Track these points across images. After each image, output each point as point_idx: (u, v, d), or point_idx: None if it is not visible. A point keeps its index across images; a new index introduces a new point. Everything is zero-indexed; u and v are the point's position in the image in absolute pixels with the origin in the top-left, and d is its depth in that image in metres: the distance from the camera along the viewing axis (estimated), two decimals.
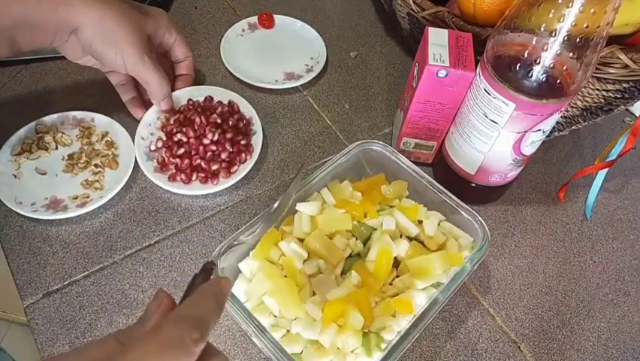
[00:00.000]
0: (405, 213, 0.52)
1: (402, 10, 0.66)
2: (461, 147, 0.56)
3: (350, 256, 0.51)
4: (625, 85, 0.55)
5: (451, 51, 0.54)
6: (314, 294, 0.47)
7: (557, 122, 0.62)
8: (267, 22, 0.77)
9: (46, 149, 0.59)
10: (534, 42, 0.45)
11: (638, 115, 0.74)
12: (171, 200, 0.58)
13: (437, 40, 0.54)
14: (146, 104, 0.62)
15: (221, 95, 0.65)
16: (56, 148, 0.60)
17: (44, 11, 0.48)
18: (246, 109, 0.64)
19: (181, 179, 0.57)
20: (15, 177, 0.56)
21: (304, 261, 0.48)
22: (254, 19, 0.77)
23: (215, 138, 0.59)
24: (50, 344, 0.47)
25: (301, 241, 0.50)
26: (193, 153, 0.58)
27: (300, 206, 0.51)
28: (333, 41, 0.77)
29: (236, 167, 0.59)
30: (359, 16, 0.84)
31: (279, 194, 0.60)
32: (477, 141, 0.54)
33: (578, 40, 0.43)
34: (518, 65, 0.46)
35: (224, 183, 0.58)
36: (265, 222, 0.46)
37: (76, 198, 0.56)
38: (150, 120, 0.61)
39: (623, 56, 0.51)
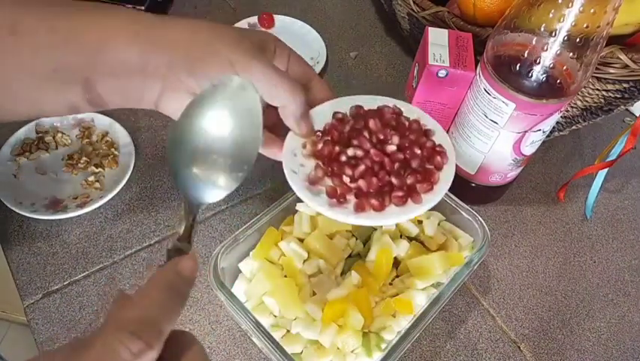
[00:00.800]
0: None
1: (402, 10, 0.66)
2: (461, 146, 0.56)
3: (350, 256, 0.51)
4: (625, 85, 0.55)
5: (451, 51, 0.54)
6: (314, 294, 0.47)
7: (557, 122, 0.62)
8: (267, 23, 0.77)
9: (46, 149, 0.59)
10: (534, 42, 0.45)
11: (638, 115, 0.75)
12: (171, 200, 0.58)
13: (437, 40, 0.54)
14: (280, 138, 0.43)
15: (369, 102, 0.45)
16: (56, 148, 0.60)
17: (122, 46, 0.35)
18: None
19: (372, 206, 0.39)
20: (15, 177, 0.56)
21: (304, 261, 0.48)
22: (254, 19, 0.77)
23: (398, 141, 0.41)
24: (50, 343, 0.47)
25: (301, 241, 0.50)
26: (376, 168, 0.40)
27: (300, 206, 0.51)
28: (333, 41, 0.77)
29: (436, 175, 0.40)
30: (359, 17, 0.84)
31: (279, 194, 0.60)
32: (477, 140, 0.54)
33: (578, 40, 0.43)
34: (518, 65, 0.46)
35: (429, 202, 0.38)
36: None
37: (76, 198, 0.56)
38: (294, 149, 0.42)
39: (623, 56, 0.51)
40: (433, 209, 0.52)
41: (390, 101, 0.44)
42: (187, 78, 0.37)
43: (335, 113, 0.43)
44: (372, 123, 0.42)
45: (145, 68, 0.36)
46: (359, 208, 0.38)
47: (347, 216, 0.37)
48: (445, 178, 0.39)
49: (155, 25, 0.36)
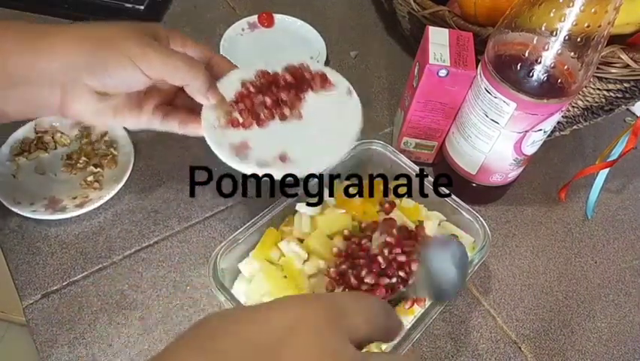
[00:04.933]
0: (405, 214, 0.52)
1: (402, 10, 0.66)
2: (462, 146, 0.56)
3: None
4: (626, 84, 0.55)
5: (452, 50, 0.53)
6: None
7: (558, 122, 0.62)
8: (267, 22, 0.77)
9: (45, 149, 0.59)
10: (535, 41, 0.45)
11: (639, 115, 0.74)
12: (170, 200, 0.58)
13: (438, 39, 0.54)
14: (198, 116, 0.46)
15: (278, 64, 0.51)
16: (55, 148, 0.60)
17: (16, 59, 0.37)
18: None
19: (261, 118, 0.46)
20: (14, 177, 0.56)
21: (304, 261, 0.48)
22: (254, 18, 0.77)
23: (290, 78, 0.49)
24: (49, 344, 0.47)
25: (301, 241, 0.50)
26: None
27: (300, 206, 0.51)
28: (333, 41, 0.77)
29: (303, 94, 0.49)
30: (359, 16, 0.84)
31: (278, 194, 0.60)
32: (478, 140, 0.54)
33: (579, 39, 0.43)
34: (519, 64, 0.46)
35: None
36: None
37: (75, 198, 0.55)
38: (212, 122, 0.46)
39: (624, 56, 0.51)
40: (433, 209, 0.52)
41: (297, 62, 0.50)
42: (88, 78, 0.39)
43: (242, 84, 0.48)
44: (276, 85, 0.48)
45: (40, 77, 0.38)
46: (282, 159, 0.44)
47: (277, 171, 0.43)
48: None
49: (44, 36, 0.38)
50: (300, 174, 0.45)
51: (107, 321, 0.49)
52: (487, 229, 0.50)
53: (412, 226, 0.51)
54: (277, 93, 0.48)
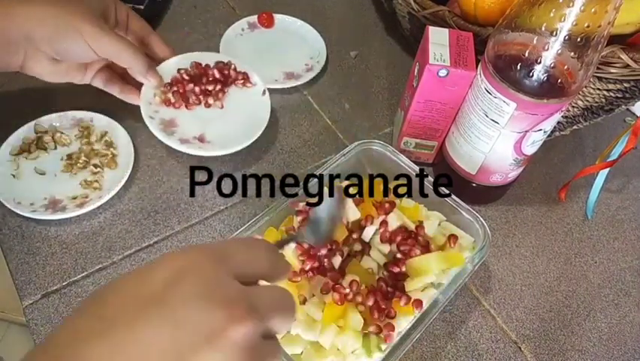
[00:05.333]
0: (405, 214, 0.52)
1: (402, 10, 0.66)
2: (462, 146, 0.56)
3: (348, 255, 0.51)
4: (626, 84, 0.55)
5: (452, 50, 0.53)
6: (313, 296, 0.47)
7: (558, 122, 0.62)
8: (267, 22, 0.77)
9: (45, 149, 0.59)
10: (535, 41, 0.45)
11: (639, 115, 0.74)
12: (170, 200, 0.58)
13: (438, 39, 0.54)
14: (139, 88, 0.59)
15: (211, 58, 0.65)
16: (55, 148, 0.60)
17: None
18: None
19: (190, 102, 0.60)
20: (14, 177, 0.56)
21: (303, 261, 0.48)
22: (253, 18, 0.77)
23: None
24: None
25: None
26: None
27: (300, 206, 0.51)
28: (333, 41, 0.77)
29: (227, 89, 0.63)
30: (359, 16, 0.84)
31: (278, 194, 0.60)
32: (478, 140, 0.54)
33: (579, 39, 0.43)
34: (519, 64, 0.46)
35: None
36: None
37: (75, 198, 0.55)
38: (149, 98, 0.58)
39: (624, 56, 0.51)
40: (433, 209, 0.52)
41: (225, 58, 0.64)
42: (46, 48, 0.49)
43: (178, 70, 0.61)
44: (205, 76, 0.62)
45: (7, 40, 0.47)
46: (200, 140, 0.57)
47: (196, 150, 0.55)
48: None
49: (12, 4, 0.47)
50: (211, 153, 0.56)
51: None
52: (487, 229, 0.50)
53: (411, 226, 0.51)
54: (205, 84, 0.61)
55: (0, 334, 1.19)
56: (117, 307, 0.26)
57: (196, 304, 0.25)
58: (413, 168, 0.54)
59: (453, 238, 0.50)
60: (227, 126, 0.60)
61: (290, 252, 0.47)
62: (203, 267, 0.27)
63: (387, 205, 0.52)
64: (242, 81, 0.63)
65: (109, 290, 0.27)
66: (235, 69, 0.64)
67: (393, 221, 0.51)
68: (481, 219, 0.51)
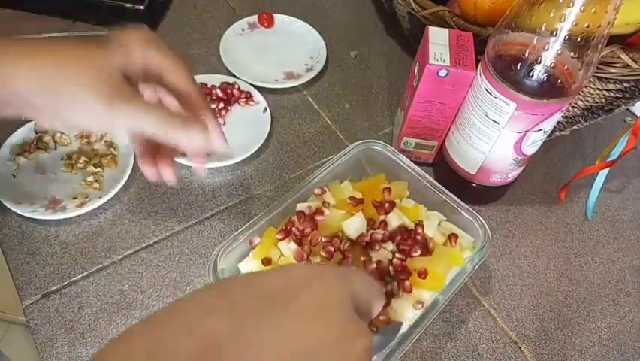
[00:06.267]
0: (405, 214, 0.52)
1: (402, 10, 0.66)
2: (462, 146, 0.56)
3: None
4: (626, 84, 0.55)
5: (452, 50, 0.53)
6: None
7: (558, 122, 0.62)
8: (267, 22, 0.77)
9: (45, 149, 0.59)
10: (535, 41, 0.45)
11: (639, 115, 0.74)
12: (170, 200, 0.58)
13: (438, 39, 0.54)
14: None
15: (217, 80, 0.69)
16: (55, 148, 0.60)
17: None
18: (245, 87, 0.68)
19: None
20: (14, 177, 0.56)
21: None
22: (254, 18, 0.77)
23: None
24: (49, 344, 0.47)
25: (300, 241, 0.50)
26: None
27: (300, 206, 0.51)
28: (333, 41, 0.77)
29: (230, 107, 0.66)
30: (359, 16, 0.84)
31: (278, 194, 0.60)
32: (478, 140, 0.54)
33: (578, 39, 0.43)
34: (519, 64, 0.46)
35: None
36: None
37: (75, 198, 0.55)
38: None
39: (624, 56, 0.51)
40: (433, 209, 0.52)
41: (231, 79, 0.68)
42: (54, 121, 0.37)
43: None
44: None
45: (6, 103, 0.36)
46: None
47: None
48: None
49: (8, 58, 0.35)
50: (211, 165, 0.58)
51: (107, 321, 0.49)
52: (487, 228, 0.50)
53: (411, 225, 0.51)
54: (210, 102, 0.64)
55: (0, 334, 1.18)
56: (248, 296, 0.26)
57: (328, 308, 0.26)
58: (413, 168, 0.54)
59: (453, 237, 0.50)
60: (230, 140, 0.56)
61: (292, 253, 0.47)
62: (331, 280, 0.28)
63: (387, 205, 0.52)
64: (245, 100, 0.67)
65: (234, 281, 0.28)
66: (239, 88, 0.67)
67: (394, 220, 0.51)
68: (481, 218, 0.51)
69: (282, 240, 0.49)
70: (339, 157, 0.54)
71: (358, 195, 0.53)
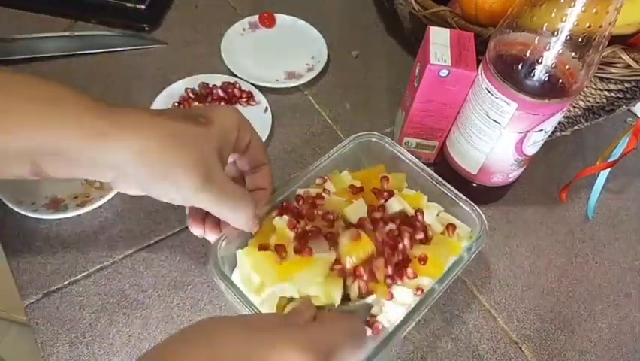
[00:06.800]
0: (407, 201, 0.51)
1: (403, 10, 0.66)
2: (463, 146, 0.56)
3: None
4: (627, 85, 0.55)
5: (453, 50, 0.53)
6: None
7: (559, 123, 0.62)
8: (268, 22, 0.77)
9: None
10: (536, 42, 0.45)
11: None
12: None
13: (439, 39, 0.54)
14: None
15: (218, 79, 0.69)
16: None
17: (75, 142, 0.34)
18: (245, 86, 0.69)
19: None
20: None
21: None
22: (255, 18, 0.77)
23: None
24: (51, 343, 0.47)
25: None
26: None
27: (300, 191, 0.51)
28: (335, 40, 0.77)
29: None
30: (360, 16, 0.84)
31: (278, 194, 0.60)
32: (479, 140, 0.54)
33: (580, 39, 0.43)
34: (520, 64, 0.46)
35: None
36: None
37: (76, 197, 0.55)
38: None
39: (625, 56, 0.51)
40: (432, 200, 0.52)
41: (232, 79, 0.68)
42: (135, 190, 0.39)
43: (185, 89, 0.66)
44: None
45: (92, 171, 0.36)
46: None
47: None
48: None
49: (106, 132, 0.35)
50: None
51: (108, 320, 0.49)
52: (484, 219, 0.49)
53: (411, 211, 0.51)
54: (210, 102, 0.65)
55: (1, 333, 1.19)
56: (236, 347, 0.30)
57: None
58: (412, 160, 0.53)
59: (451, 227, 0.50)
60: None
61: (283, 222, 0.48)
62: (298, 344, 0.30)
63: (386, 193, 0.51)
64: (246, 99, 0.67)
65: (218, 323, 0.32)
66: (240, 88, 0.67)
67: (395, 205, 0.50)
68: (478, 209, 0.50)
69: (277, 215, 0.48)
70: (336, 149, 0.54)
71: (358, 184, 0.53)
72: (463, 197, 0.51)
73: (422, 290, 0.46)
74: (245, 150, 0.44)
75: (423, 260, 0.47)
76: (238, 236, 0.47)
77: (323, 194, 0.51)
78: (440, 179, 0.53)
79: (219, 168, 0.39)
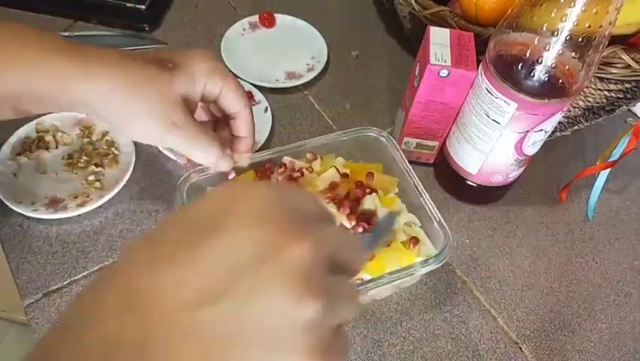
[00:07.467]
0: (384, 203, 0.51)
1: (403, 10, 0.66)
2: (463, 146, 0.56)
3: None
4: (627, 85, 0.55)
5: (453, 50, 0.53)
6: None
7: (559, 123, 0.62)
8: (268, 21, 0.77)
9: (47, 148, 0.59)
10: (536, 42, 0.45)
11: None
12: (171, 199, 0.58)
13: (439, 39, 0.54)
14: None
15: None
16: (56, 147, 0.60)
17: (48, 86, 0.38)
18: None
19: None
20: (15, 176, 0.56)
21: None
22: (255, 18, 0.77)
23: None
24: None
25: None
26: None
27: (286, 159, 0.53)
28: (335, 40, 0.77)
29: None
30: (360, 16, 0.84)
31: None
32: (479, 140, 0.54)
33: (580, 39, 0.43)
34: (520, 64, 0.46)
35: None
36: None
37: (76, 197, 0.55)
38: None
39: (625, 56, 0.51)
40: (412, 211, 0.52)
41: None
42: (108, 124, 0.42)
43: None
44: None
45: (69, 109, 0.40)
46: None
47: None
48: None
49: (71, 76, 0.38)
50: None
51: None
52: (451, 239, 0.48)
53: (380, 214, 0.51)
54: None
55: (1, 333, 1.19)
56: (177, 237, 0.24)
57: (259, 219, 0.24)
58: (406, 166, 0.52)
59: (414, 240, 0.49)
60: None
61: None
62: (258, 192, 0.25)
63: (367, 189, 0.52)
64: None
65: (166, 225, 0.25)
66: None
67: (368, 203, 0.51)
68: (448, 230, 0.48)
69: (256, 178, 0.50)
70: (338, 135, 0.55)
71: (346, 171, 0.53)
72: (438, 216, 0.49)
73: (361, 280, 0.46)
74: (214, 99, 0.44)
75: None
76: (203, 171, 0.50)
77: (305, 170, 0.51)
78: (424, 191, 0.51)
79: (184, 114, 0.41)
